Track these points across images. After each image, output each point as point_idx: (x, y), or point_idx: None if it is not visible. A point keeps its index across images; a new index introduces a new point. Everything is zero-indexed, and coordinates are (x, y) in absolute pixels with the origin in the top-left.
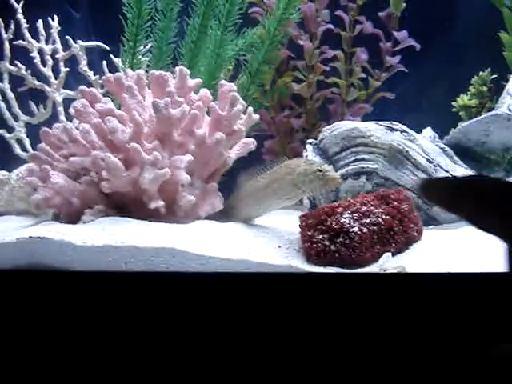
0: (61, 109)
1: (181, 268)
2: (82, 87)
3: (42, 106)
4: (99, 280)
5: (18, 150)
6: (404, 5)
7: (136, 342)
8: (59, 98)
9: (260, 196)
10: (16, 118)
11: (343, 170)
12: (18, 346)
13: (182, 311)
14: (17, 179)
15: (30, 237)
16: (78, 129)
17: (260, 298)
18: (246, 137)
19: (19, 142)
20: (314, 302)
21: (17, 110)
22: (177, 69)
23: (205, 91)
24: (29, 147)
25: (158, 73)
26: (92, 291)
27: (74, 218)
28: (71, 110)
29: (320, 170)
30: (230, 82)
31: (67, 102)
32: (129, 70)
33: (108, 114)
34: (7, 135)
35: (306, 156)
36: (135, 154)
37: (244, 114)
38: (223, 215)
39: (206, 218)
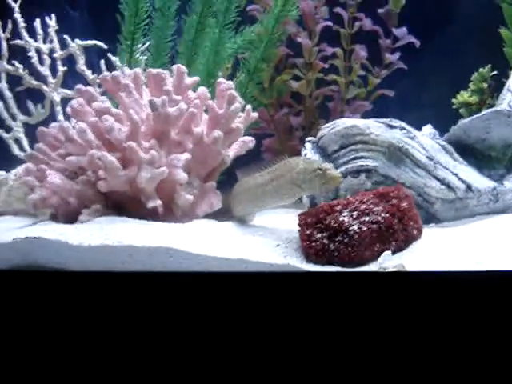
0: (59, 108)
1: (178, 268)
2: (79, 86)
3: (39, 106)
4: (96, 280)
5: (16, 149)
6: (403, 1)
7: (134, 341)
8: (57, 98)
9: (259, 194)
10: (14, 118)
11: (342, 168)
12: (15, 346)
13: (180, 311)
14: (15, 179)
15: (27, 237)
16: (74, 128)
17: (259, 297)
18: (245, 135)
19: (17, 141)
20: (313, 301)
21: (15, 109)
22: (174, 67)
23: (202, 89)
24: (27, 147)
25: (155, 71)
26: (89, 291)
27: (71, 217)
28: (68, 109)
29: (320, 169)
30: (228, 80)
31: (65, 101)
32: (126, 69)
33: (105, 113)
34: (5, 135)
35: (305, 154)
36: (132, 153)
37: (242, 112)
38: (221, 214)
39: (204, 216)
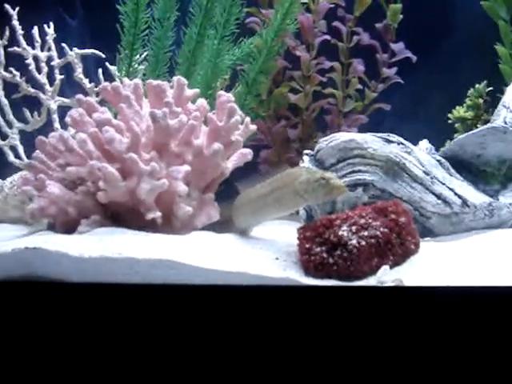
0: (55, 116)
1: (179, 280)
2: (79, 96)
3: (36, 114)
4: (97, 292)
5: (11, 157)
6: (401, 16)
7: (134, 353)
8: (54, 106)
9: (260, 205)
10: (10, 125)
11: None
12: (13, 358)
13: (180, 323)
14: (10, 187)
15: (26, 247)
16: (74, 138)
17: (258, 311)
18: (243, 147)
19: (13, 149)
20: (313, 315)
21: (11, 116)
22: (174, 79)
23: (202, 101)
24: (22, 155)
25: (155, 82)
26: (90, 303)
27: (69, 228)
28: (67, 119)
29: (324, 178)
30: (226, 91)
31: (62, 109)
32: (125, 79)
33: (105, 124)
34: (1, 142)
35: (302, 166)
36: (133, 164)
37: (241, 124)
38: (220, 225)
39: (203, 228)
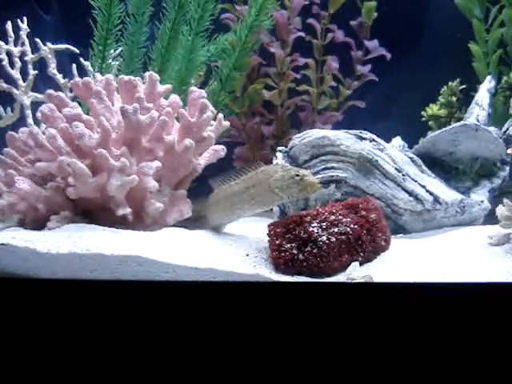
0: (29, 112)
1: (147, 276)
2: (50, 91)
3: (9, 109)
4: (65, 288)
5: None
6: (375, 14)
7: (100, 348)
8: (27, 101)
9: (235, 201)
10: None
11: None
12: None
13: (148, 319)
14: None
15: None
16: (44, 133)
17: (227, 306)
18: (217, 143)
19: None
20: (282, 310)
21: None
22: (146, 74)
23: (174, 97)
24: None
25: (126, 78)
26: (58, 299)
27: (39, 224)
28: (38, 114)
29: (298, 175)
30: (201, 87)
31: (35, 105)
32: (98, 75)
33: (75, 119)
34: None
35: (276, 164)
36: (102, 160)
37: (214, 120)
38: (193, 222)
39: (175, 224)
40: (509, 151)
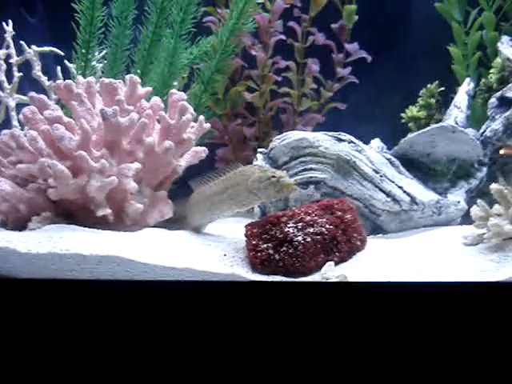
0: (14, 114)
1: (126, 276)
2: (32, 94)
3: None
4: (45, 288)
5: None
6: (356, 17)
7: (79, 349)
8: (12, 103)
9: (214, 202)
10: None
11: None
12: None
13: (125, 319)
14: None
15: None
16: (26, 135)
17: (203, 306)
18: (199, 145)
19: None
20: (258, 310)
21: None
22: (127, 77)
23: (156, 99)
24: None
25: (107, 80)
26: (37, 299)
27: (21, 224)
28: (20, 116)
29: (274, 177)
30: (183, 90)
31: (20, 107)
32: (80, 77)
33: (56, 122)
34: None
35: (254, 165)
36: (82, 161)
37: (195, 122)
38: (173, 222)
39: (156, 225)
40: (501, 152)
